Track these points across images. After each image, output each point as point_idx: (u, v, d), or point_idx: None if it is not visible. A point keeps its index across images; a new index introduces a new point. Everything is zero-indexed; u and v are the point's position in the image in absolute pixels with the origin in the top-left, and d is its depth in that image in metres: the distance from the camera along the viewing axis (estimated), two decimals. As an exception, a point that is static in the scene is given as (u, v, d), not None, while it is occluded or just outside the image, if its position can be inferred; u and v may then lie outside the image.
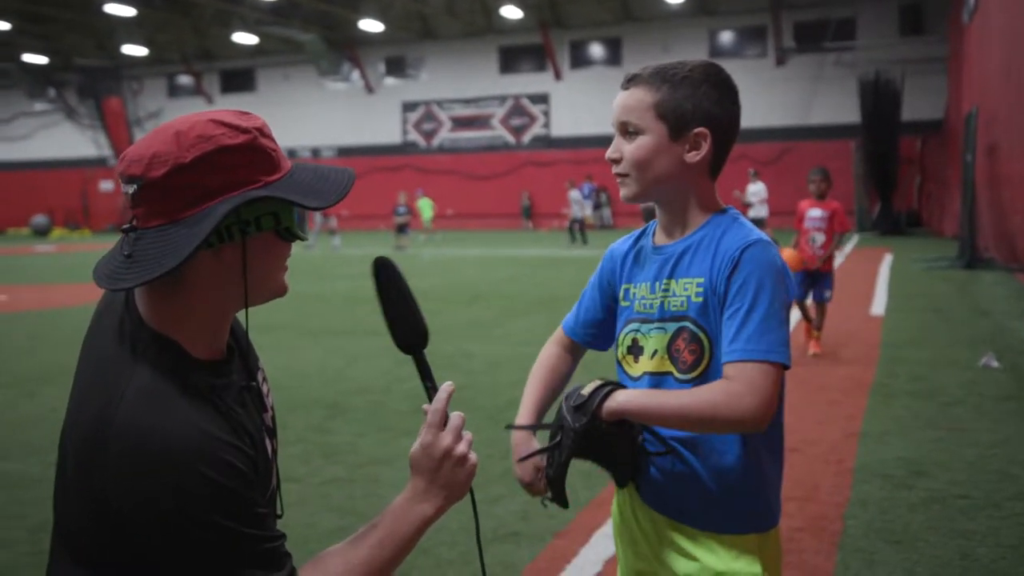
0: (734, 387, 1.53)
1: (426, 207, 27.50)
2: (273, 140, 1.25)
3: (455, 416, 1.33)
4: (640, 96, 1.64)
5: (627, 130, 1.66)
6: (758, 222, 19.82)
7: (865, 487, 4.38)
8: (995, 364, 7.11)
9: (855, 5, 30.91)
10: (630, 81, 1.68)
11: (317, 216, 25.20)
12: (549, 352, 1.90)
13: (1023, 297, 10.79)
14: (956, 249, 17.22)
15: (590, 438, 1.60)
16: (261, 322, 10.23)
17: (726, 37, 33.85)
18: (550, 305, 9.99)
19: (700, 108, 1.63)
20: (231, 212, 1.17)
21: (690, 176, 1.67)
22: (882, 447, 5.05)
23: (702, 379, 1.62)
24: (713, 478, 1.65)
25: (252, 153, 1.20)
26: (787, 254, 7.43)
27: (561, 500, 1.66)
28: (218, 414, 1.19)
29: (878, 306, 11.02)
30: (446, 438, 1.31)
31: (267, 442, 1.30)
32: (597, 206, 33.52)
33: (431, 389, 1.36)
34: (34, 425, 5.70)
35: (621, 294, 1.79)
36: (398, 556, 1.28)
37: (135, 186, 1.17)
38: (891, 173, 27.70)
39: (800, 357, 7.41)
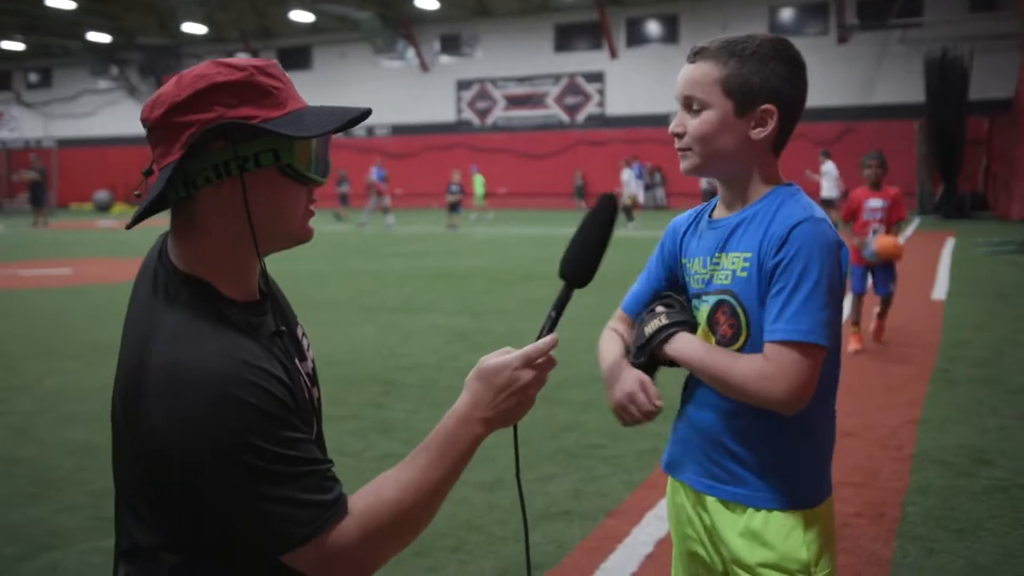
0: (767, 369, 1.54)
1: (478, 184, 27.51)
2: (279, 79, 1.25)
3: (547, 359, 1.32)
4: (707, 70, 1.63)
5: (692, 105, 1.65)
6: (828, 203, 19.48)
7: (925, 474, 4.31)
8: (1063, 351, 6.93)
9: (923, -20, 30.08)
10: (696, 54, 1.66)
11: (372, 195, 25.40)
12: (608, 336, 1.87)
13: (1094, 283, 10.47)
14: (1022, 233, 16.75)
15: (647, 370, 1.71)
16: (317, 298, 10.44)
17: (787, 14, 33.18)
18: (603, 285, 9.89)
19: (768, 84, 1.62)
20: (222, 143, 1.19)
21: (754, 152, 1.66)
22: (943, 434, 4.96)
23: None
24: (754, 450, 1.65)
25: (248, 89, 1.21)
26: (855, 244, 7.16)
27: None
28: (253, 343, 1.21)
29: (939, 291, 10.79)
30: (528, 372, 1.29)
31: (306, 389, 1.32)
32: (649, 186, 33.19)
33: (551, 320, 1.36)
34: (97, 395, 5.86)
35: (681, 270, 1.79)
36: (451, 476, 1.27)
37: (147, 129, 1.23)
38: (956, 154, 26.96)
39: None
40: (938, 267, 13.21)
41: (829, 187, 19.39)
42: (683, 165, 1.69)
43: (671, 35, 34.82)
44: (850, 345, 7.18)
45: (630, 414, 1.70)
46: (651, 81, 34.15)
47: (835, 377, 1.67)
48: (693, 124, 1.65)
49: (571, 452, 4.70)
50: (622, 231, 21.13)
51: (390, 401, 5.80)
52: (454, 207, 24.13)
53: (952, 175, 27.02)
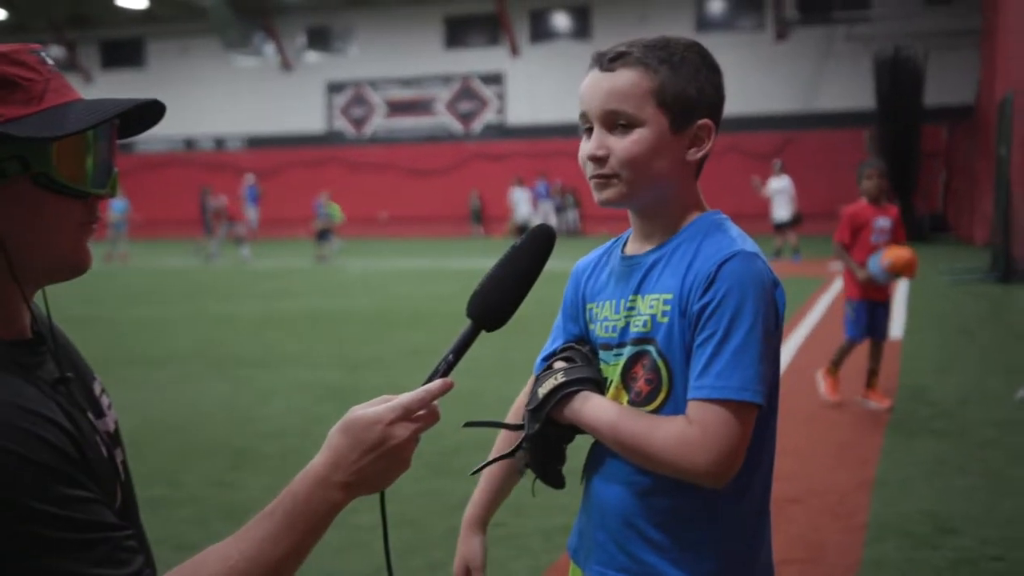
0: (690, 434, 1.54)
1: (335, 212, 26.42)
2: (33, 68, 1.24)
3: (430, 413, 1.35)
4: (635, 79, 1.62)
5: (616, 121, 1.63)
6: (781, 227, 19.72)
7: (881, 547, 4.42)
8: (1034, 397, 7.25)
9: (869, -32, 31.50)
10: (614, 60, 1.64)
11: (223, 222, 25.01)
12: (513, 411, 1.89)
13: (1067, 316, 11.04)
14: (988, 259, 17.55)
15: (545, 442, 1.68)
16: (151, 352, 10.12)
17: (716, 6, 34.26)
18: (515, 327, 9.90)
19: (704, 95, 1.65)
20: None
21: (685, 176, 1.68)
22: (901, 498, 5.10)
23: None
24: (673, 535, 1.65)
25: None
26: (859, 278, 7.07)
27: (552, 480, 1.73)
28: (23, 383, 1.18)
29: (895, 327, 11.15)
30: (405, 428, 1.31)
31: (104, 447, 1.29)
32: (560, 209, 33.61)
33: (447, 363, 1.40)
34: None
35: (586, 316, 1.80)
36: (298, 553, 1.25)
37: None
38: (912, 168, 28.13)
39: (809, 392, 7.46)
40: (893, 299, 13.67)
41: (782, 207, 19.41)
42: (603, 195, 1.66)
43: (582, 30, 35.55)
44: (825, 392, 7.28)
45: None
46: (559, 84, 34.69)
47: (771, 440, 1.69)
48: (621, 145, 1.63)
49: (465, 534, 4.65)
50: (452, 261, 21.22)
51: (240, 477, 5.66)
52: (323, 235, 23.94)
53: (907, 193, 28.11)
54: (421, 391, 1.34)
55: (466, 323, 1.45)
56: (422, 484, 5.17)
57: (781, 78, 31.97)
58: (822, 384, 7.35)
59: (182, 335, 11.49)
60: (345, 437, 1.29)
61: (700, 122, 1.65)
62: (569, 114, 27.76)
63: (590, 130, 1.67)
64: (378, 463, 1.29)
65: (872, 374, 7.26)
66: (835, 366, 7.37)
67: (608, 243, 1.83)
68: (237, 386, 8.32)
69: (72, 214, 1.25)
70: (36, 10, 38.98)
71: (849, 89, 31.62)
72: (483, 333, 1.46)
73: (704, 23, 33.46)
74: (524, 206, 25.12)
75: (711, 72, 1.66)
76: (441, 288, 16.33)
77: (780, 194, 19.53)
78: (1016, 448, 6.02)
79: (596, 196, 1.68)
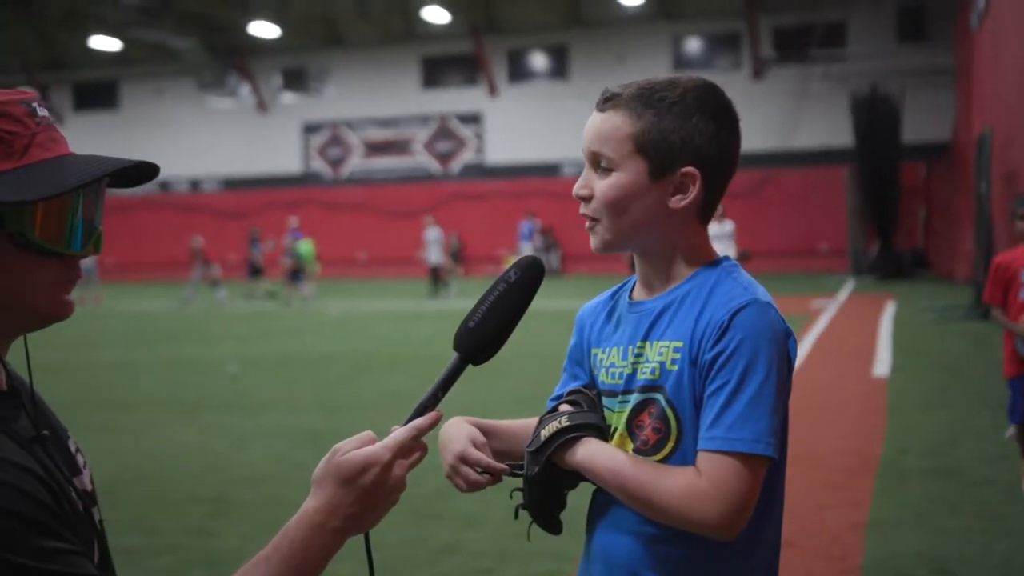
0: (700, 486, 1.52)
1: (306, 251, 25.83)
2: (19, 120, 1.22)
3: (421, 449, 1.36)
4: (617, 123, 1.63)
5: (599, 162, 1.65)
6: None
7: (878, 590, 4.38)
8: (1024, 434, 7.23)
9: (846, 7, 31.92)
10: (607, 101, 1.66)
11: (198, 264, 24.88)
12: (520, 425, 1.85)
13: (1052, 352, 11.06)
14: (970, 296, 17.67)
15: (545, 487, 1.66)
16: (121, 396, 10.03)
17: (693, 45, 34.68)
18: (483, 369, 9.87)
19: (690, 144, 1.62)
20: None
21: (675, 223, 1.66)
22: (895, 539, 5.06)
23: None
24: None
25: None
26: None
27: (549, 525, 1.71)
28: (3, 438, 1.17)
29: (882, 366, 11.20)
30: (400, 467, 1.32)
31: (81, 503, 1.27)
32: (544, 249, 33.69)
33: (435, 398, 1.42)
34: None
35: (591, 362, 1.78)
36: None
37: None
38: (891, 206, 28.44)
39: (794, 432, 7.43)
40: (878, 337, 13.75)
41: (726, 251, 19.87)
42: (593, 243, 1.70)
43: (560, 69, 35.84)
44: None
45: (464, 479, 1.66)
46: (538, 124, 34.94)
47: (781, 492, 1.68)
48: (600, 187, 1.64)
49: (451, 582, 4.59)
50: (433, 303, 21.51)
51: (219, 526, 5.58)
52: (295, 275, 23.82)
53: (888, 230, 28.42)
54: (412, 427, 1.35)
55: (452, 357, 1.46)
56: (404, 531, 5.10)
57: (758, 117, 32.24)
58: None
59: (152, 380, 11.39)
60: (339, 482, 1.28)
61: (684, 170, 1.62)
62: (547, 153, 28.09)
63: None
64: (372, 505, 1.30)
65: None
66: None
67: (613, 288, 1.82)
68: (211, 432, 8.24)
69: (49, 271, 1.24)
70: (9, 52, 38.98)
71: (827, 127, 31.97)
72: (469, 367, 1.46)
73: (681, 62, 33.83)
74: (435, 247, 24.50)
75: (707, 119, 1.63)
76: (420, 330, 16.28)
77: (719, 240, 20.13)
78: (1009, 486, 5.99)
79: (591, 243, 1.71)
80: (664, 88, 1.63)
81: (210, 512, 5.85)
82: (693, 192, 1.63)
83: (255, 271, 26.76)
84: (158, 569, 4.81)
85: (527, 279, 1.49)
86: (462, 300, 22.70)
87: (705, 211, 1.68)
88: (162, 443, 7.81)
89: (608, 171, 1.64)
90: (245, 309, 22.52)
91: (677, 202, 1.63)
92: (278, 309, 22.45)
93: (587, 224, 1.68)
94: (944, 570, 4.61)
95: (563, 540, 1.80)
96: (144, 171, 1.33)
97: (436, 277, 24.22)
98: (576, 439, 1.63)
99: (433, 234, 24.62)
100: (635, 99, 1.63)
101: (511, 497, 1.72)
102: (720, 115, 1.65)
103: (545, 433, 1.65)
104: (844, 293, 21.47)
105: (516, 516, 1.73)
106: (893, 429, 7.74)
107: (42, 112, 1.26)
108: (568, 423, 1.65)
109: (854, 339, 13.08)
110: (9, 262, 1.21)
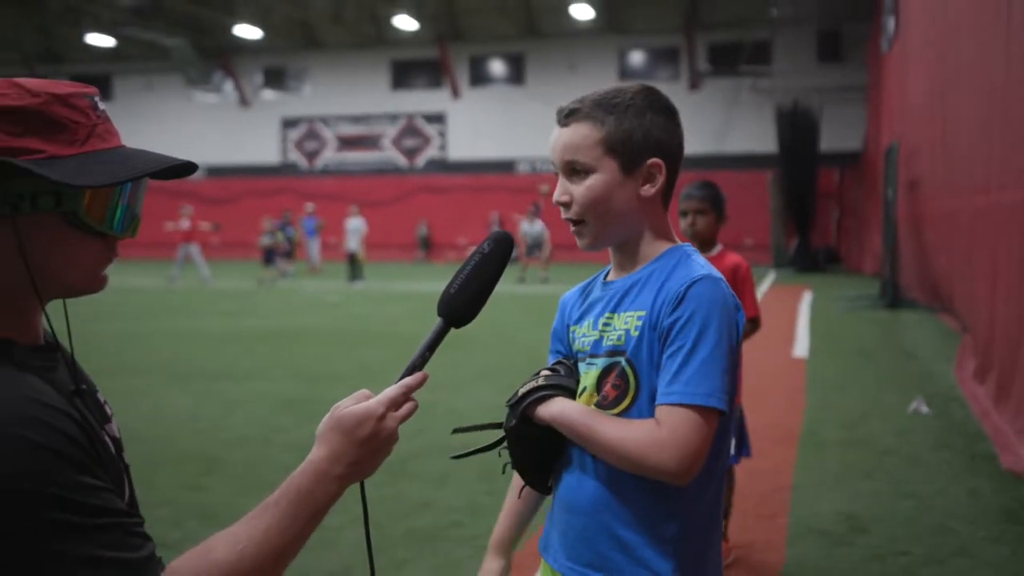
0: (659, 434, 1.56)
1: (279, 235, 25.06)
2: (83, 111, 1.22)
3: (410, 404, 1.38)
4: (585, 132, 1.68)
5: (574, 170, 1.70)
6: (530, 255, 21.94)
7: (802, 544, 4.47)
8: (925, 410, 7.39)
9: (773, 29, 32.14)
10: (568, 116, 1.71)
11: (182, 245, 24.51)
12: None
13: (948, 339, 11.28)
14: (877, 288, 17.94)
15: (519, 439, 1.71)
16: (119, 364, 9.83)
17: (637, 58, 34.73)
18: (451, 346, 9.89)
19: (650, 137, 1.69)
20: None
21: (647, 209, 1.73)
22: (816, 500, 5.17)
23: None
24: (639, 530, 1.64)
25: (38, 119, 1.18)
26: None
27: (534, 482, 1.78)
28: (41, 382, 1.17)
29: (800, 348, 11.35)
30: (393, 420, 1.34)
31: (113, 446, 1.28)
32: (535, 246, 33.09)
33: (424, 359, 1.45)
34: None
35: (569, 337, 1.83)
36: (299, 541, 1.26)
37: None
38: (809, 207, 28.76)
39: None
40: (797, 323, 13.92)
41: (535, 247, 23.03)
42: (581, 243, 1.74)
43: (517, 75, 35.73)
44: None
45: None
46: (496, 124, 34.85)
47: (727, 447, 1.71)
48: (579, 191, 1.69)
49: (425, 534, 4.61)
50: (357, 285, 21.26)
51: (210, 482, 5.55)
52: (268, 256, 23.54)
53: (806, 228, 28.75)
54: (402, 385, 1.38)
55: (436, 322, 1.49)
56: (381, 490, 5.10)
57: (694, 123, 32.39)
58: None
59: (145, 349, 11.26)
60: (339, 434, 1.31)
61: (650, 161, 1.69)
62: (505, 151, 28.08)
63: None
64: (370, 454, 1.32)
65: None
66: None
67: (591, 277, 1.87)
68: (201, 398, 8.15)
69: (92, 248, 1.25)
70: (9, 45, 38.12)
71: (754, 134, 32.22)
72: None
73: (627, 72, 33.88)
74: (354, 238, 23.71)
75: (657, 114, 1.70)
76: (392, 310, 16.21)
77: (530, 236, 22.76)
78: (911, 455, 6.13)
79: (579, 244, 1.76)
80: (616, 95, 1.70)
81: (202, 470, 5.82)
82: (660, 179, 1.70)
83: (286, 254, 25.28)
84: (157, 519, 4.75)
85: (499, 251, 1.53)
86: (434, 282, 22.62)
87: (667, 196, 1.75)
88: (158, 408, 7.73)
89: (585, 175, 1.68)
90: (227, 287, 22.24)
91: (648, 190, 1.70)
92: (258, 287, 22.22)
93: (572, 228, 1.73)
94: (858, 528, 4.71)
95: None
96: (183, 167, 1.33)
97: (353, 262, 23.65)
98: (548, 396, 1.69)
99: (354, 223, 24.02)
100: (595, 108, 1.68)
101: (499, 456, 1.76)
102: (666, 111, 1.73)
103: (522, 390, 1.71)
104: (767, 284, 21.70)
105: (504, 471, 1.79)
106: (812, 404, 7.87)
107: (102, 106, 1.27)
108: (543, 383, 1.71)
109: (776, 324, 13.23)
110: (62, 237, 1.22)
